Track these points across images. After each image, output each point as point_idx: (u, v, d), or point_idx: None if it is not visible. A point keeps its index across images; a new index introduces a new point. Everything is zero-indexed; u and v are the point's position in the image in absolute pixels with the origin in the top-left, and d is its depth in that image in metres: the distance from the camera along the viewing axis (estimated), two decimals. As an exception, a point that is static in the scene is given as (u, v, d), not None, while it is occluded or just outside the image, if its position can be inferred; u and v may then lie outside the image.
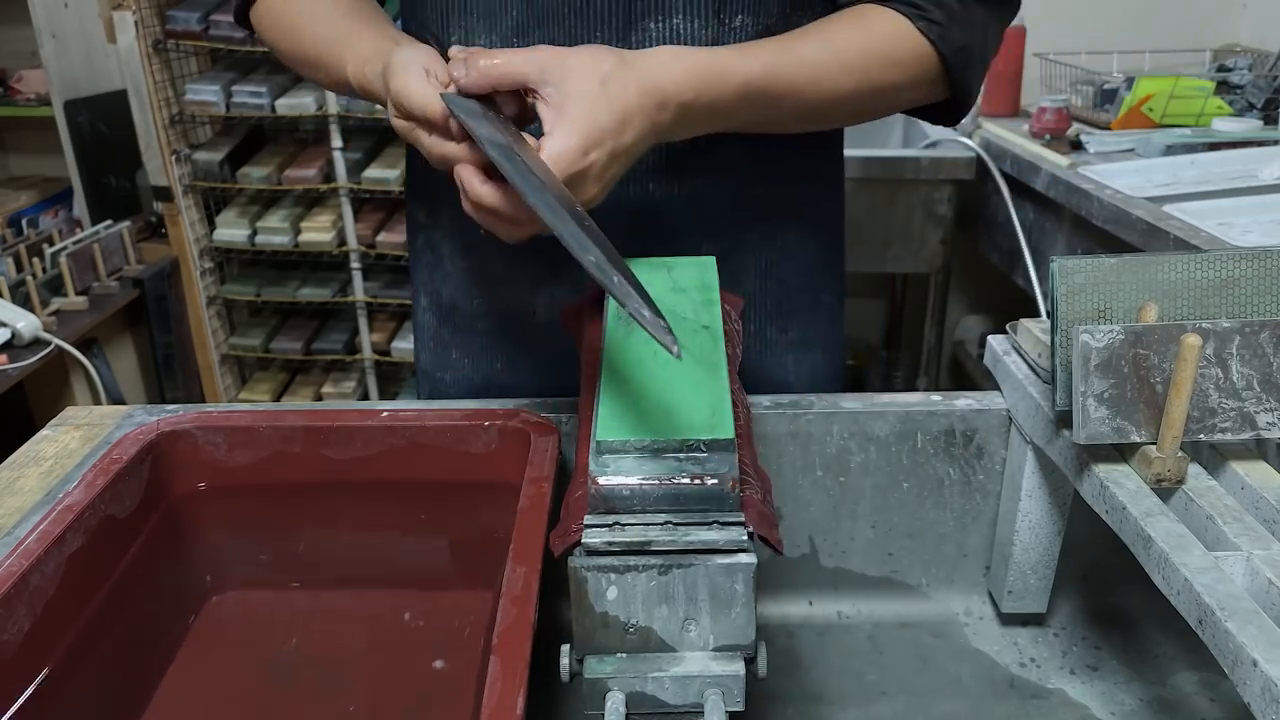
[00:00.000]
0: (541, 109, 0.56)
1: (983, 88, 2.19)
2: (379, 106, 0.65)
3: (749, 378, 0.77)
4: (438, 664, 0.63)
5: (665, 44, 0.69)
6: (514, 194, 0.54)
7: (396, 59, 0.59)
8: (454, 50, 0.60)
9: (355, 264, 2.29)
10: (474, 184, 0.55)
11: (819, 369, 0.87)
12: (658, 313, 0.46)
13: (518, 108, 0.59)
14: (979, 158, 1.89)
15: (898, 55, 0.67)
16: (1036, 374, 0.65)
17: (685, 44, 0.69)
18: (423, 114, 0.57)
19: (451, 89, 0.57)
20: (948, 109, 0.73)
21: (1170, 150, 1.67)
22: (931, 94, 0.71)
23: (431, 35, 0.74)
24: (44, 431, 0.78)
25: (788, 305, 0.82)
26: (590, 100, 0.55)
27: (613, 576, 0.45)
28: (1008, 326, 0.69)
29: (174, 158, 2.22)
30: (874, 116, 0.71)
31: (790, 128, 0.69)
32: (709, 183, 0.75)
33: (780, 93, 0.63)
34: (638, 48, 0.68)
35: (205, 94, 2.17)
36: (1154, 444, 0.53)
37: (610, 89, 0.55)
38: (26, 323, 1.80)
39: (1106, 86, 1.93)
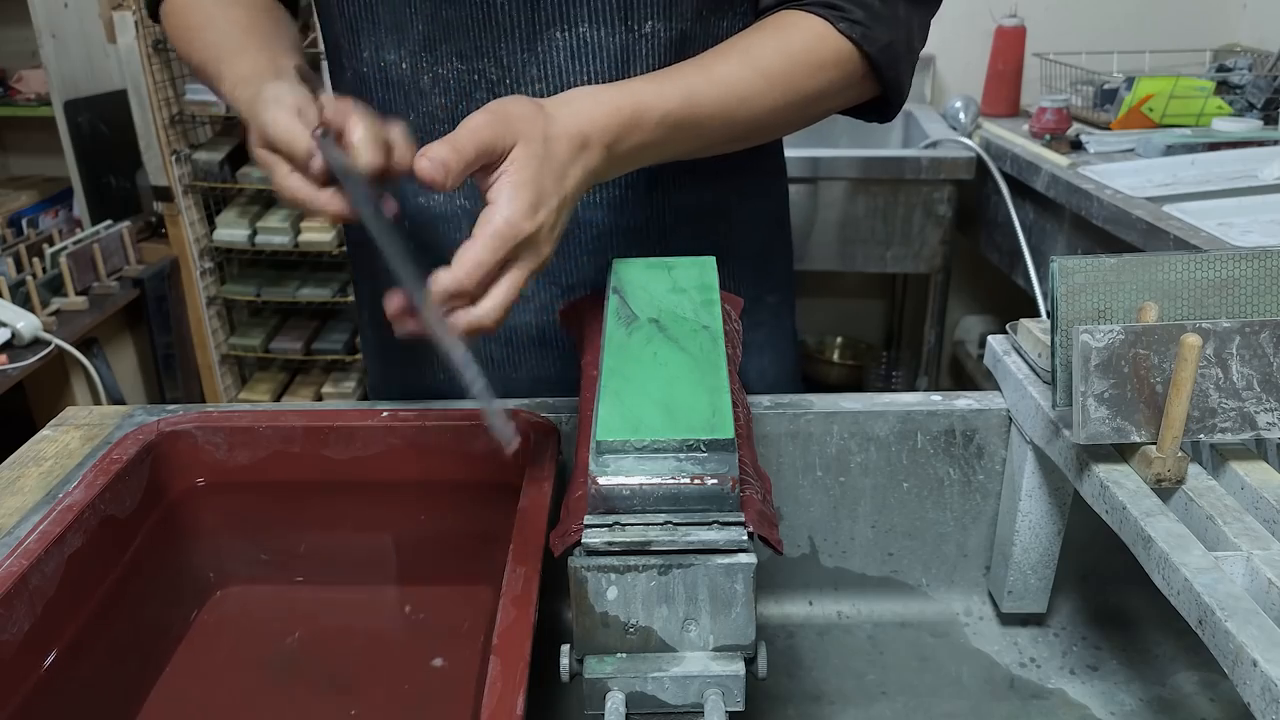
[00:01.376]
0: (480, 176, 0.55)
1: (982, 91, 2.18)
2: None
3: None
4: (437, 662, 0.64)
5: (573, 53, 0.68)
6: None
7: (270, 92, 0.59)
8: (324, 100, 0.59)
9: (355, 264, 2.29)
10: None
11: (769, 369, 0.87)
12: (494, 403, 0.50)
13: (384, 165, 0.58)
14: (979, 158, 1.89)
15: (821, 60, 0.66)
16: (1036, 374, 0.65)
17: (593, 52, 0.68)
18: (288, 149, 0.56)
19: (320, 132, 0.57)
20: (880, 106, 0.72)
21: (1170, 150, 1.67)
22: (861, 93, 0.70)
23: (345, 52, 0.74)
24: (44, 431, 0.78)
25: None
26: (530, 162, 0.53)
27: (613, 576, 0.45)
28: (1008, 326, 0.69)
29: (174, 158, 2.22)
30: (807, 123, 0.70)
31: (725, 149, 0.68)
32: (632, 190, 0.74)
33: (705, 118, 0.62)
34: (545, 58, 0.68)
35: (205, 94, 2.17)
36: (1154, 444, 0.53)
37: (548, 146, 0.54)
38: (26, 323, 1.80)
39: (1106, 86, 1.93)
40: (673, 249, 0.77)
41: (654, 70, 0.67)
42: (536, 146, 0.54)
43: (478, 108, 0.70)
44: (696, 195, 0.78)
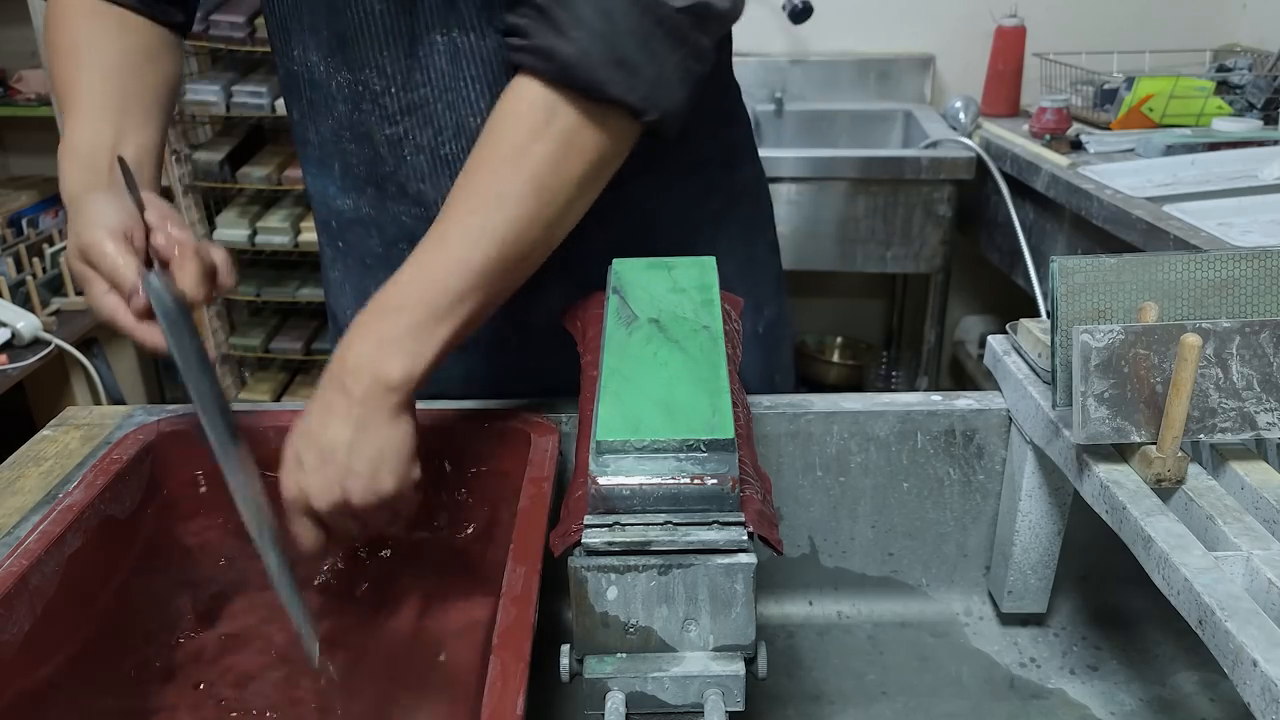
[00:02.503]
0: None
1: (982, 91, 2.17)
2: None
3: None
4: (437, 663, 0.63)
5: (450, 58, 0.68)
6: None
7: (93, 210, 0.60)
8: (155, 236, 0.61)
9: (355, 264, 2.29)
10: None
11: (755, 367, 0.86)
12: (306, 617, 0.57)
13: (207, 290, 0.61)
14: (979, 158, 1.89)
15: (509, 111, 0.58)
16: (1036, 374, 0.65)
17: (468, 57, 0.68)
18: (113, 279, 0.58)
19: (148, 271, 0.59)
20: (656, 127, 0.61)
21: (1170, 150, 1.67)
22: (618, 130, 0.60)
23: (278, 50, 0.75)
24: (44, 431, 0.78)
25: None
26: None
27: (613, 576, 0.45)
28: (1008, 326, 0.69)
29: (174, 157, 2.22)
30: (593, 188, 0.62)
31: (534, 260, 0.61)
32: (609, 203, 0.71)
33: (452, 267, 0.58)
34: (427, 62, 0.68)
35: (205, 94, 2.17)
36: (1154, 444, 0.53)
37: (297, 431, 0.59)
38: (26, 323, 1.80)
39: (1106, 86, 1.93)
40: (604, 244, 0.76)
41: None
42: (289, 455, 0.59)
43: (365, 119, 0.72)
44: (676, 207, 0.77)
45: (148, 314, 0.59)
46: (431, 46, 0.68)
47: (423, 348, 0.57)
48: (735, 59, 0.83)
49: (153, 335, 0.59)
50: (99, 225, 0.59)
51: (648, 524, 0.46)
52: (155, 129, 0.71)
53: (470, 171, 0.59)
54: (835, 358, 2.54)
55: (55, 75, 0.71)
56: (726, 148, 0.84)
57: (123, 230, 0.59)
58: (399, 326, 0.57)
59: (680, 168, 0.78)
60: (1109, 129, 1.85)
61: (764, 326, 0.89)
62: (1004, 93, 2.14)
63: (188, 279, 0.59)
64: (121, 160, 0.63)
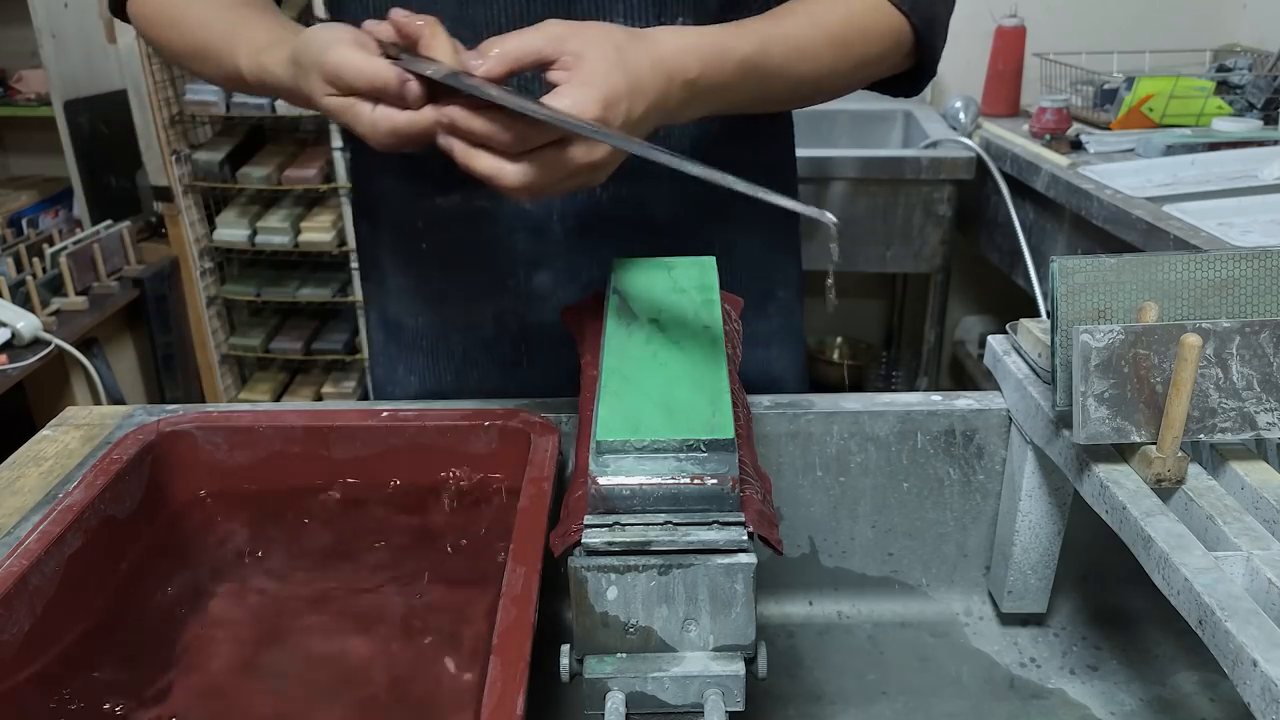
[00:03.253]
0: (554, 75, 0.54)
1: (982, 91, 2.17)
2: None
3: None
4: (438, 664, 0.63)
5: None
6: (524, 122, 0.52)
7: (320, 36, 0.55)
8: (395, 13, 0.56)
9: (355, 264, 2.30)
10: (467, 118, 0.52)
11: (774, 364, 0.87)
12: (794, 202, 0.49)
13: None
14: (979, 158, 1.89)
15: (877, 27, 0.69)
16: (1036, 374, 0.65)
17: None
18: (374, 82, 0.53)
19: (399, 55, 0.54)
20: (911, 79, 0.76)
21: (1170, 150, 1.67)
22: (901, 64, 0.73)
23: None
24: (44, 431, 0.78)
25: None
26: (607, 63, 0.53)
27: (613, 576, 0.45)
28: (1008, 326, 0.69)
29: (174, 158, 2.22)
30: (850, 90, 0.73)
31: (777, 106, 0.72)
32: (653, 182, 0.75)
33: (774, 69, 0.64)
34: None
35: (205, 94, 2.17)
36: (1154, 444, 0.53)
37: (626, 55, 0.54)
38: (26, 323, 1.80)
39: (1106, 86, 1.93)
40: (693, 243, 0.77)
41: None
42: (608, 52, 0.54)
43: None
44: (711, 187, 0.78)
45: (427, 97, 0.53)
46: None
47: (704, 107, 0.62)
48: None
49: (452, 111, 0.52)
50: (333, 44, 0.54)
51: (648, 524, 0.46)
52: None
53: (820, 26, 0.67)
54: (835, 358, 2.54)
55: (183, 40, 0.69)
56: (792, 149, 0.90)
57: (355, 41, 0.54)
58: (712, 79, 0.60)
59: (781, 165, 0.83)
60: (1109, 129, 1.86)
61: (799, 323, 0.91)
62: (1004, 93, 2.14)
63: (442, 46, 0.54)
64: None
